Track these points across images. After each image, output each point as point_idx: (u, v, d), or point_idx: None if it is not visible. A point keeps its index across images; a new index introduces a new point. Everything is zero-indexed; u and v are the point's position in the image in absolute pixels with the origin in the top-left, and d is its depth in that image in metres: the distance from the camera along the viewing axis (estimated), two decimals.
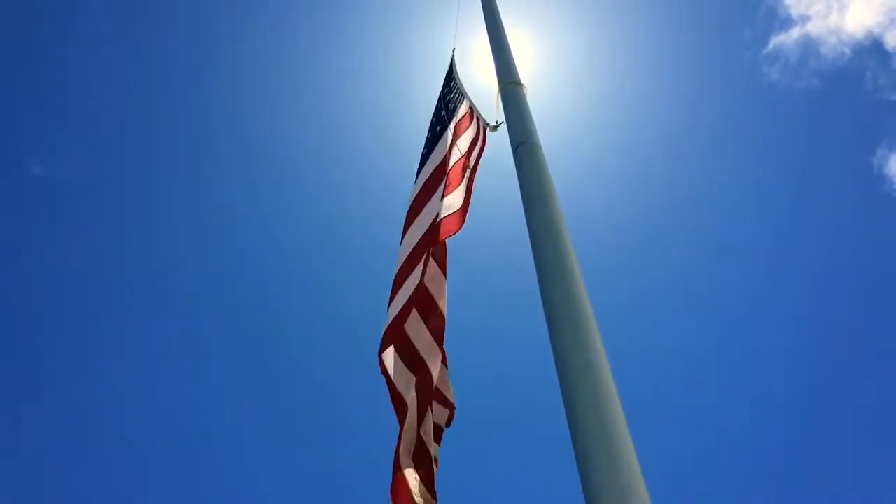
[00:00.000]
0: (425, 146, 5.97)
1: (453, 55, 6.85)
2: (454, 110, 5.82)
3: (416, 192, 5.43)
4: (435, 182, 5.24)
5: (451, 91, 6.30)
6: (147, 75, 23.85)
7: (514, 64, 5.12)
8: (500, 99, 4.84)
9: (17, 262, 21.27)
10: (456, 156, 5.29)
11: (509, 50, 5.34)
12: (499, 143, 4.82)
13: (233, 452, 19.02)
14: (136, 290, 21.77)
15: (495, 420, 18.83)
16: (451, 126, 5.63)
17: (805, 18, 23.58)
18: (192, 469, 19.01)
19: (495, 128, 5.27)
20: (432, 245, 4.76)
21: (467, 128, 5.51)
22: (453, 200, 4.86)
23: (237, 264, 22.75)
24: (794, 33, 21.82)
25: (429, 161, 5.62)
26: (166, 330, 21.52)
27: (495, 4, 6.00)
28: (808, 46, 21.52)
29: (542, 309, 3.09)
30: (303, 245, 22.46)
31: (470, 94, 6.04)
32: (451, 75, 6.60)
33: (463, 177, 5.05)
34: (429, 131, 6.16)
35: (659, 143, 22.41)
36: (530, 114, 4.54)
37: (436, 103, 6.41)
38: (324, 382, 20.07)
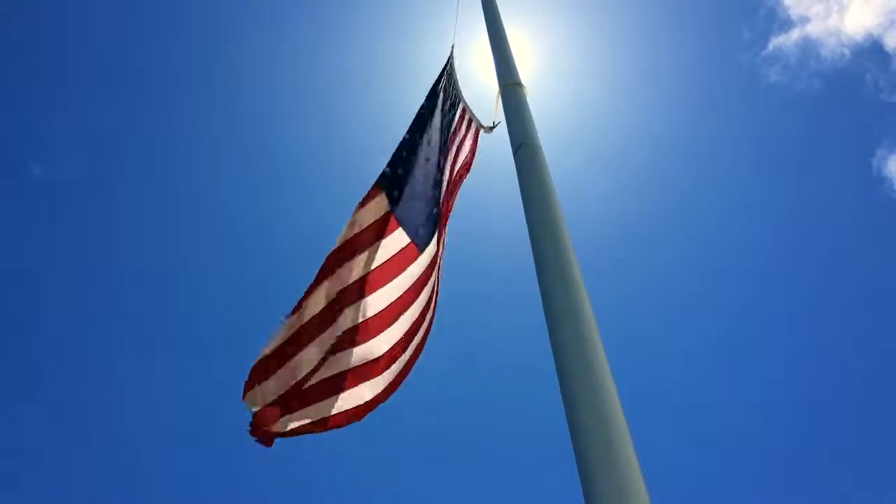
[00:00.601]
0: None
1: (452, 52, 6.58)
2: (445, 142, 5.18)
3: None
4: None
5: (447, 98, 5.81)
6: (147, 75, 23.85)
7: (514, 64, 5.10)
8: (499, 99, 4.83)
9: (18, 263, 21.28)
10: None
11: (509, 50, 5.31)
12: (499, 143, 4.80)
13: (233, 452, 19.03)
14: (136, 290, 21.78)
15: (495, 419, 18.87)
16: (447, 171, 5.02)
17: (804, 20, 23.60)
18: (192, 469, 19.02)
19: (491, 129, 5.23)
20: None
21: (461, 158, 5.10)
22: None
23: (236, 264, 22.75)
24: (794, 35, 21.83)
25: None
26: (166, 330, 21.53)
27: (495, 4, 5.96)
28: (808, 48, 21.53)
29: (542, 308, 3.10)
30: (303, 245, 22.46)
31: (469, 95, 5.93)
32: (445, 73, 6.17)
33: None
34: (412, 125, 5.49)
35: (659, 143, 22.42)
36: (530, 114, 4.52)
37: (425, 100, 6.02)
38: None
